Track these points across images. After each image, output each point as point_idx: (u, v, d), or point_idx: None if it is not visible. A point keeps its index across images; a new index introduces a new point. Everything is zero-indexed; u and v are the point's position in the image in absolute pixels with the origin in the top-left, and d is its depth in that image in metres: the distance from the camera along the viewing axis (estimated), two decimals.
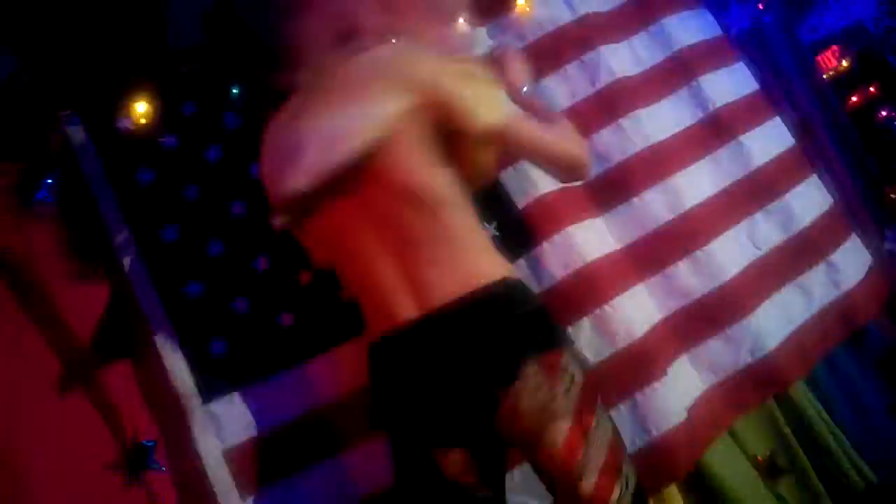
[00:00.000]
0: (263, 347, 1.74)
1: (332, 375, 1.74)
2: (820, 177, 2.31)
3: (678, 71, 2.20)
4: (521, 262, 1.86)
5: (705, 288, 1.97)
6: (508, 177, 1.91)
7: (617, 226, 2.00)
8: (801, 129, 2.39)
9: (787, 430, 1.98)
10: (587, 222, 1.95)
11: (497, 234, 1.85)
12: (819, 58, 3.04)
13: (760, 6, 2.47)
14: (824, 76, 2.64)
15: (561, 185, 1.84)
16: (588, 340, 1.81)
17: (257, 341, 1.74)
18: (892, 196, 2.80)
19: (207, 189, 1.79)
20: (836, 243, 2.19)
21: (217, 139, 1.82)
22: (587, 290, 1.85)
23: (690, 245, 2.00)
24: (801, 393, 2.03)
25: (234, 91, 1.85)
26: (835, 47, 3.10)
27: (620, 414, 1.77)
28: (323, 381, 1.74)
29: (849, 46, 3.10)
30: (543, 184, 1.90)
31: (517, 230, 1.89)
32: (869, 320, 2.21)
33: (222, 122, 1.83)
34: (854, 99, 2.89)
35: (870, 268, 2.24)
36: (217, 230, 1.77)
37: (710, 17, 2.35)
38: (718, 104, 2.19)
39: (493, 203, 1.86)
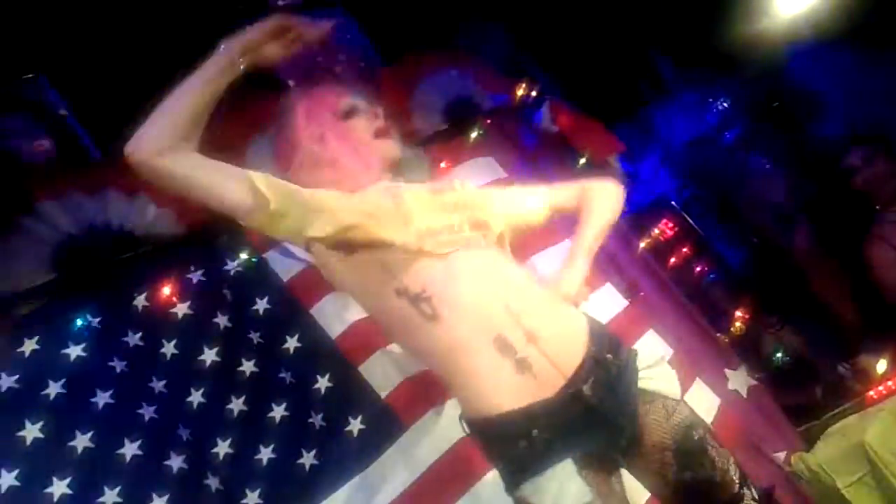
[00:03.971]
0: None
1: None
2: (656, 331, 2.52)
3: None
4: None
5: None
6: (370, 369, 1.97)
7: None
8: (631, 291, 2.64)
9: None
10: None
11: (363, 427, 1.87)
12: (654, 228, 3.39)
13: None
14: (641, 244, 2.97)
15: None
16: None
17: None
18: (725, 341, 3.08)
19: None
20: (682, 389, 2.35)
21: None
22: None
23: None
24: None
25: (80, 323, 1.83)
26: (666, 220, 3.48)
27: None
28: None
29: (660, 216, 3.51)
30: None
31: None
32: None
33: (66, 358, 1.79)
34: (673, 260, 3.26)
35: (719, 407, 2.41)
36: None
37: None
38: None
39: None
